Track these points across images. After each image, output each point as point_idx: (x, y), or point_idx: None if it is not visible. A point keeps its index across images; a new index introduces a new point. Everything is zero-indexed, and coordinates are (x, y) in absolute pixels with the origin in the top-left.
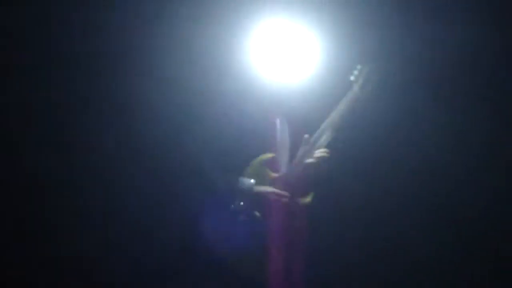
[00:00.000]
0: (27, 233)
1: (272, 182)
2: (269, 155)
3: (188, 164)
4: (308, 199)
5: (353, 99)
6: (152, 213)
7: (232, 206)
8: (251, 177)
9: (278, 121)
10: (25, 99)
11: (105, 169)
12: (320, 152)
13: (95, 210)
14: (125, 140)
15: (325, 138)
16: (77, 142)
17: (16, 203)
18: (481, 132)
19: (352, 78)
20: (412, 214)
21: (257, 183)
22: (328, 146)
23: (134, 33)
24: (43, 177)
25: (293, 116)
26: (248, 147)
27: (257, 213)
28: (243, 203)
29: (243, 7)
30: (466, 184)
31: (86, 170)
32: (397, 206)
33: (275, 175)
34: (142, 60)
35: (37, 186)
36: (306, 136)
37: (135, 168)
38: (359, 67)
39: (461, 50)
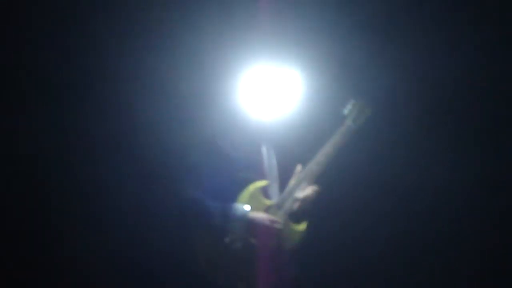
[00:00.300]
0: (26, 234)
1: (266, 209)
2: (262, 183)
3: (182, 191)
4: (302, 227)
5: (346, 132)
6: (146, 240)
7: (226, 232)
8: (245, 204)
9: (264, 150)
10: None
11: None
12: (311, 189)
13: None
14: (121, 168)
15: (317, 170)
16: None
17: (16, 205)
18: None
19: (345, 111)
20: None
21: (251, 210)
22: (321, 178)
23: (137, 68)
24: (43, 179)
25: (279, 145)
26: (239, 175)
27: (251, 240)
28: (238, 230)
29: (236, 50)
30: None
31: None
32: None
33: (269, 202)
34: (142, 94)
35: (36, 187)
36: (298, 167)
37: (129, 193)
38: (352, 101)
39: (451, 82)
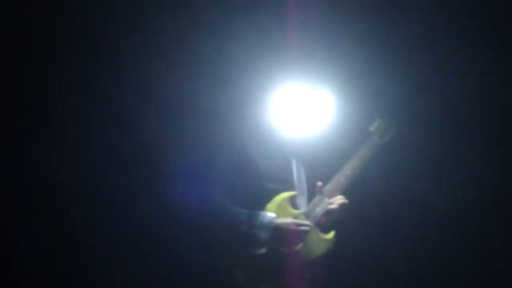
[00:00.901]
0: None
1: (294, 218)
2: (290, 193)
3: (210, 198)
4: (330, 236)
5: (372, 147)
6: (173, 243)
7: (253, 238)
8: (272, 212)
9: (294, 163)
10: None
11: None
12: (339, 199)
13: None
14: (147, 178)
15: (344, 182)
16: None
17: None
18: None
19: (372, 128)
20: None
21: (278, 217)
22: (348, 190)
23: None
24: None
25: (308, 160)
26: (267, 185)
27: (278, 245)
28: (264, 236)
29: (266, 68)
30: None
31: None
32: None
33: (296, 211)
34: (176, 106)
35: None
36: (319, 183)
37: (154, 197)
38: (378, 119)
39: (478, 103)
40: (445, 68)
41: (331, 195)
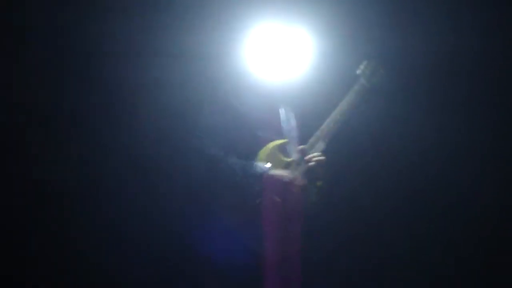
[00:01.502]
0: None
1: (285, 166)
2: (281, 141)
3: (202, 150)
4: (319, 184)
5: (360, 90)
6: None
7: (247, 189)
8: (265, 161)
9: (282, 111)
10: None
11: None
12: (316, 157)
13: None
14: (138, 136)
15: (334, 127)
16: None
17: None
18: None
19: (358, 71)
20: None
21: (271, 167)
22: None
23: (134, 36)
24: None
25: (296, 105)
26: (258, 133)
27: (273, 196)
28: (257, 186)
29: (241, 9)
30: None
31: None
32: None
33: (288, 159)
34: (148, 62)
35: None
36: (300, 147)
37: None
38: (365, 61)
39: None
40: (441, 13)
41: (324, 139)
